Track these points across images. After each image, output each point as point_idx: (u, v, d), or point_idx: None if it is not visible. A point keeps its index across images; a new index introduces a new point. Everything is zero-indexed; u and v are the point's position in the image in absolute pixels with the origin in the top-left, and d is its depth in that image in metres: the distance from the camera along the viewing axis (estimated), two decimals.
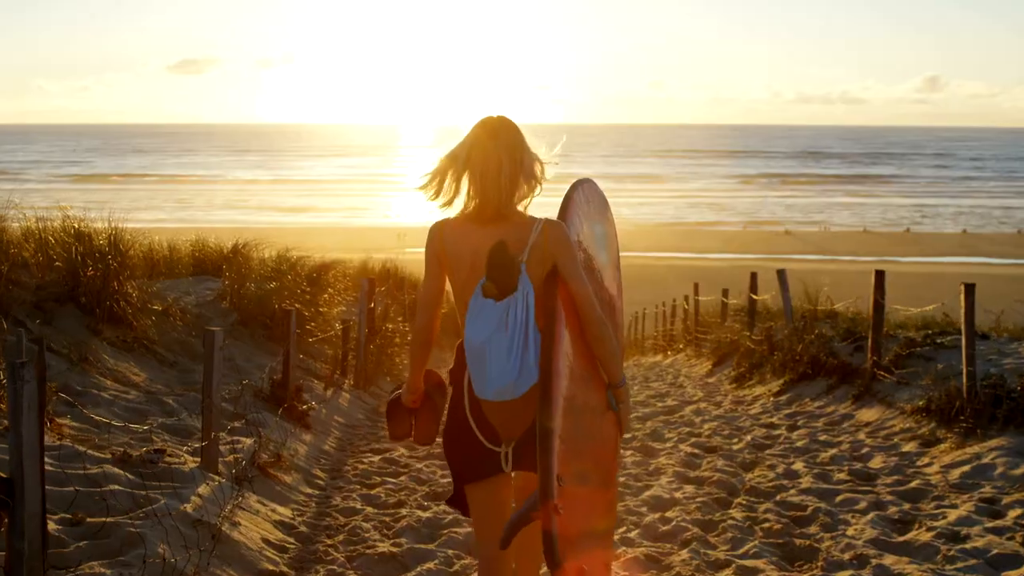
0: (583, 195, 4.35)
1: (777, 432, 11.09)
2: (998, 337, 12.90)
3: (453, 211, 4.15)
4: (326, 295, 15.97)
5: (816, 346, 13.62)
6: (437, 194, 4.12)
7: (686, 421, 12.03)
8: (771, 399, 13.52)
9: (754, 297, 18.17)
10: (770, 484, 8.45)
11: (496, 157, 4.02)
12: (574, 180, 4.40)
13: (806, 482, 8.49)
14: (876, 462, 9.29)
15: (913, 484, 8.32)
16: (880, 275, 12.07)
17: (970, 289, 9.72)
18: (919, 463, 9.13)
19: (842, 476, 8.74)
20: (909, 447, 9.69)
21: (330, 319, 15.16)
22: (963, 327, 9.77)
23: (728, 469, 9.02)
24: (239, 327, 13.10)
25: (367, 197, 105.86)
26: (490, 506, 4.23)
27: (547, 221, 4.06)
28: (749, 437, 10.73)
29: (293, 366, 10.18)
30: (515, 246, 4.02)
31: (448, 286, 4.25)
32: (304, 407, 10.04)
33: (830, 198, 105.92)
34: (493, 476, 4.15)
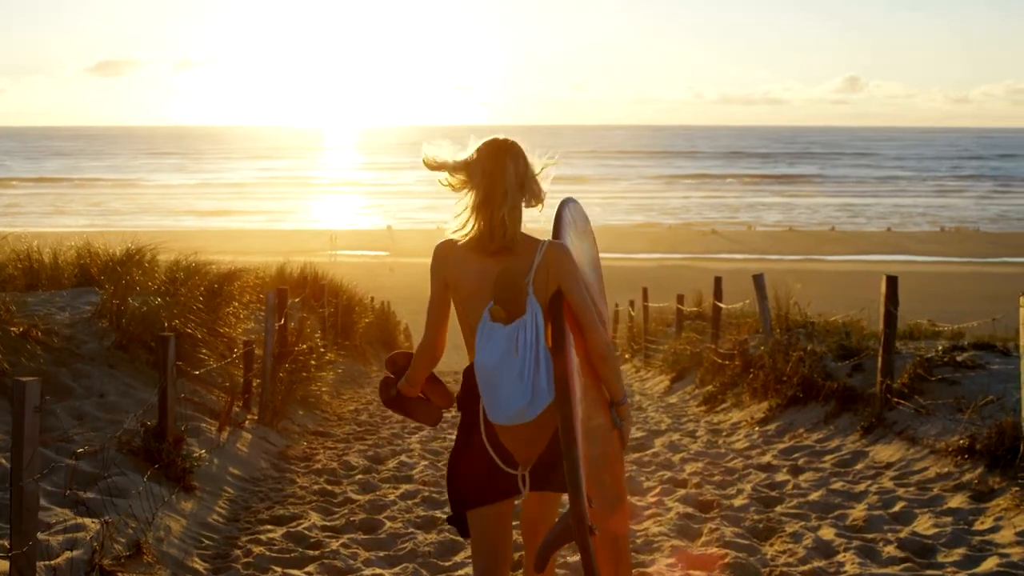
0: (571, 215, 4.36)
1: (780, 478, 9.01)
2: (1013, 351, 10.81)
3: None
4: (230, 309, 13.63)
5: (807, 365, 11.60)
6: (458, 214, 4.11)
7: (662, 461, 9.90)
8: (756, 428, 11.46)
9: (720, 305, 16.12)
10: (804, 568, 6.33)
11: (503, 186, 4.01)
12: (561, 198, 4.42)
13: (849, 563, 6.41)
14: (924, 525, 7.24)
15: (991, 564, 6.26)
16: (892, 281, 10.05)
17: None
18: (980, 527, 7.10)
19: (891, 551, 6.66)
20: (957, 501, 7.67)
21: (235, 339, 12.83)
22: (1023, 347, 7.78)
23: (740, 541, 6.91)
24: (117, 352, 10.74)
25: (293, 200, 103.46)
26: (495, 528, 4.22)
27: (551, 243, 4.09)
28: (748, 487, 8.64)
29: (174, 406, 7.91)
30: (520, 268, 4.01)
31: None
32: (187, 463, 7.76)
33: (755, 197, 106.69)
34: (503, 499, 4.15)
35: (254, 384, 11.08)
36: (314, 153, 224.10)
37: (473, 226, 4.04)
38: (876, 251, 60.29)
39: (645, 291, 21.97)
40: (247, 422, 10.33)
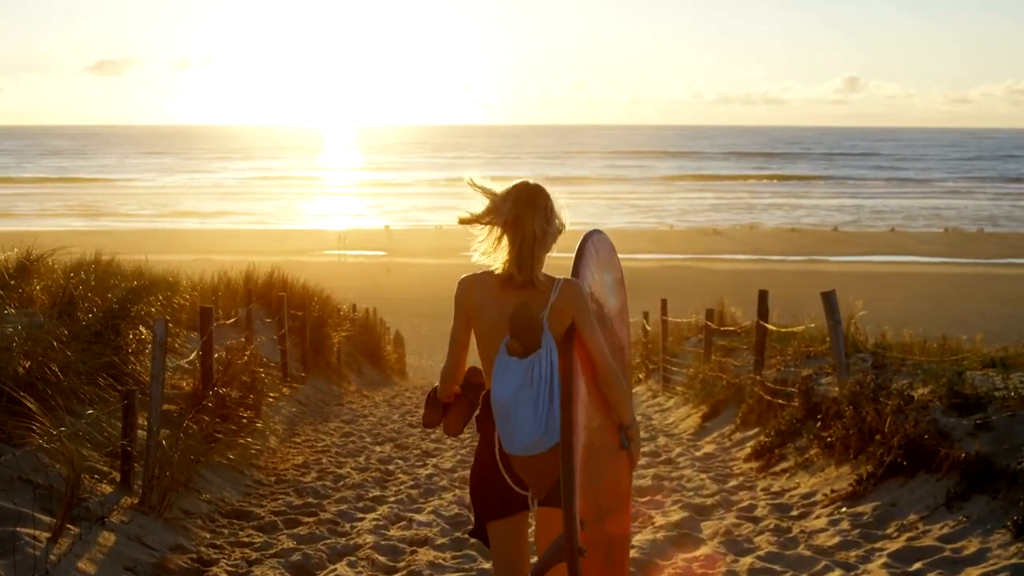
0: (593, 246, 4.54)
1: None
2: None
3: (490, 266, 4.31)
4: (133, 335, 10.37)
5: (912, 420, 8.36)
6: (485, 249, 4.29)
7: None
8: (841, 510, 8.23)
9: (767, 326, 12.87)
10: None
11: (532, 228, 4.20)
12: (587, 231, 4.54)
13: None
14: None
15: None
16: None
17: None
18: None
19: None
20: None
21: (138, 379, 9.59)
22: None
23: None
24: None
25: (290, 200, 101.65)
26: (511, 541, 4.38)
27: (565, 281, 4.25)
28: None
29: None
30: (536, 305, 4.18)
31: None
32: None
33: (757, 198, 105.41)
34: (516, 514, 4.31)
35: (136, 453, 7.83)
36: (311, 153, 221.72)
37: (502, 261, 4.22)
38: (880, 252, 59.29)
39: (664, 303, 18.71)
40: (116, 511, 7.09)
